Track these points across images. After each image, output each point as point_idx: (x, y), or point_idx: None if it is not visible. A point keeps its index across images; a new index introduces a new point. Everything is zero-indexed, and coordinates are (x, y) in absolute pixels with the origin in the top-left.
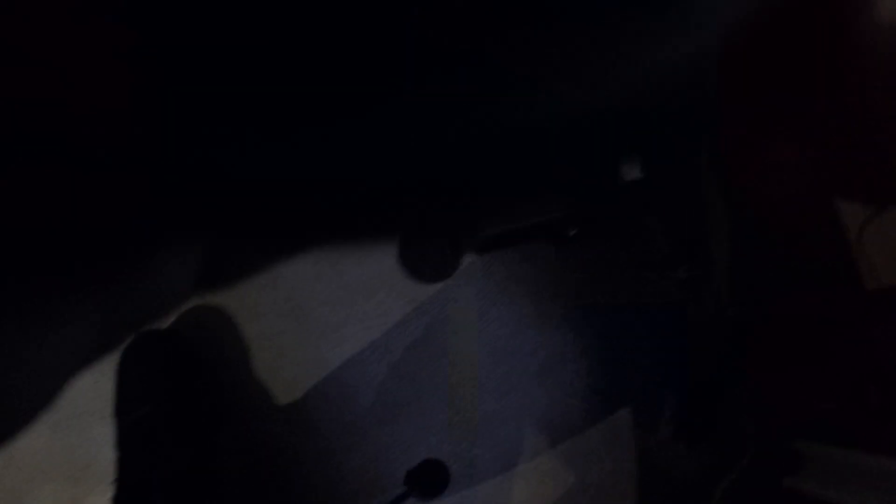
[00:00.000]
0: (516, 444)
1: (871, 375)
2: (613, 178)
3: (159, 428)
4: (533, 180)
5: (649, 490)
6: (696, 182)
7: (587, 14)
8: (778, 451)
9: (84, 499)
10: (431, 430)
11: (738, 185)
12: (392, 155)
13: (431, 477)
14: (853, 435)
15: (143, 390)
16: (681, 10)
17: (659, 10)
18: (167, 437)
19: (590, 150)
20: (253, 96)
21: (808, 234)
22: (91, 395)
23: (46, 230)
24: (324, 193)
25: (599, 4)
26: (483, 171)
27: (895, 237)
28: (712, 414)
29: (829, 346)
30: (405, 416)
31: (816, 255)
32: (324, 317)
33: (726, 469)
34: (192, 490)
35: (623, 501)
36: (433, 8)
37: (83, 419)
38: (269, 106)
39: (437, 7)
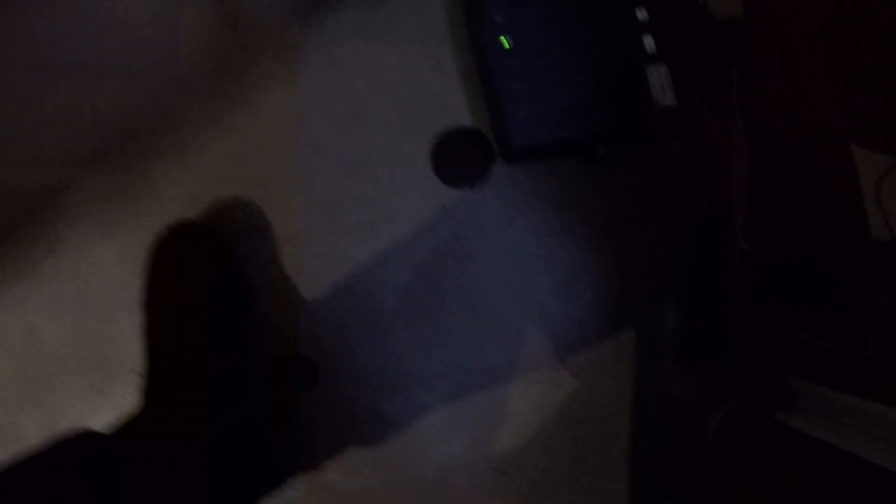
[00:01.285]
0: (531, 353)
1: (871, 324)
2: (647, 104)
3: (189, 317)
4: (568, 98)
5: (650, 409)
6: (724, 114)
7: None
8: (773, 386)
9: (108, 389)
10: (451, 332)
11: (763, 122)
12: None
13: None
14: (847, 379)
15: (173, 281)
16: None
17: None
18: (197, 326)
19: (627, 77)
20: None
21: (827, 178)
22: (117, 285)
23: None
24: None
25: None
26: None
27: None
28: (715, 344)
29: (833, 291)
30: (426, 317)
31: (832, 199)
32: (355, 215)
33: (724, 398)
34: (219, 378)
35: (625, 416)
36: None
37: (110, 309)
38: None
39: None
